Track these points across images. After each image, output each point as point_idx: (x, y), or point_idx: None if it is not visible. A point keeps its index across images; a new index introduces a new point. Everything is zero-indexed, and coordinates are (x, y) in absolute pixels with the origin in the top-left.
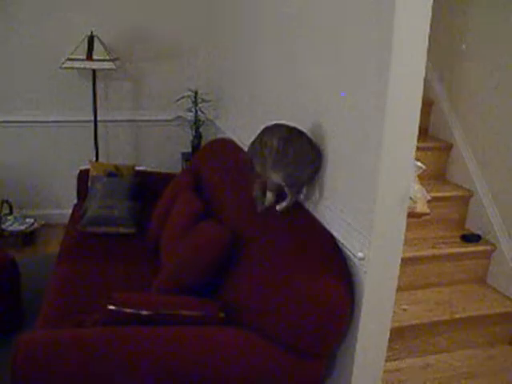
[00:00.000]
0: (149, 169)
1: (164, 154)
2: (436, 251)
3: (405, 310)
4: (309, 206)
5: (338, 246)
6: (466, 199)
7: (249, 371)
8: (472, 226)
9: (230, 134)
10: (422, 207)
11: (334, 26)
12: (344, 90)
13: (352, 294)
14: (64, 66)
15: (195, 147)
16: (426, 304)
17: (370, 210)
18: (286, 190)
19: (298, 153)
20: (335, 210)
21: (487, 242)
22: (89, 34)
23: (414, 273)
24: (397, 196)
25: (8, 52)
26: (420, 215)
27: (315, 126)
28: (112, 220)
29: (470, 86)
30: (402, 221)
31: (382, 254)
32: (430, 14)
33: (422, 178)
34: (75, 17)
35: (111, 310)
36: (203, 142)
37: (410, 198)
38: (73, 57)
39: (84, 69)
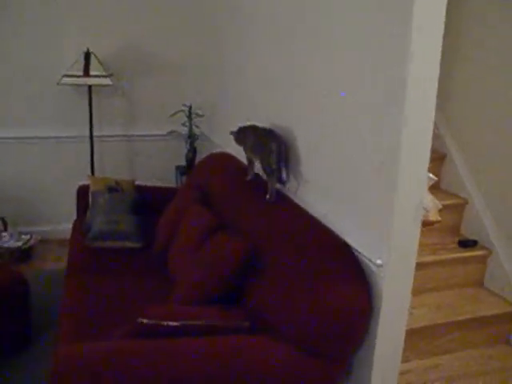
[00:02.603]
0: (143, 183)
1: (158, 168)
2: (436, 257)
3: (411, 313)
4: (323, 214)
5: (353, 254)
6: (460, 207)
7: (273, 376)
8: (467, 232)
9: (224, 148)
10: (434, 215)
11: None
12: (359, 100)
13: (370, 299)
14: (61, 82)
15: (190, 161)
16: (429, 308)
17: (388, 219)
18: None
19: (257, 137)
20: (353, 219)
21: (483, 247)
22: (84, 50)
23: (417, 278)
24: (412, 206)
25: (3, 69)
26: (432, 223)
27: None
28: (118, 234)
29: (460, 88)
30: (417, 228)
31: (399, 260)
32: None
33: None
34: (69, 34)
35: (144, 323)
36: (198, 156)
37: (424, 208)
38: (70, 73)
39: (81, 85)
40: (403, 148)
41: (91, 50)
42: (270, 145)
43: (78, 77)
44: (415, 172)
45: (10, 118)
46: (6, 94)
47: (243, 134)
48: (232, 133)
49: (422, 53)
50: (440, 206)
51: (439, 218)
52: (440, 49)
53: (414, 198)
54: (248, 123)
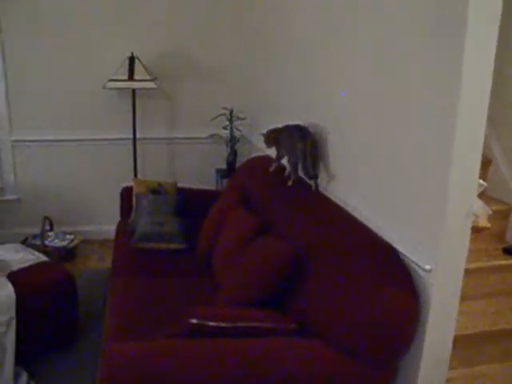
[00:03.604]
0: (184, 185)
1: (199, 171)
2: (482, 264)
3: (456, 320)
4: (370, 221)
5: (400, 258)
6: (506, 213)
7: (321, 379)
8: None
9: (265, 151)
10: (483, 222)
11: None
12: (410, 106)
13: (418, 304)
14: (107, 86)
15: (230, 164)
16: (474, 315)
17: (438, 224)
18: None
19: (287, 137)
20: (400, 222)
21: None
22: (129, 55)
23: (462, 285)
24: (463, 211)
25: (51, 75)
26: (482, 229)
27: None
28: (162, 236)
29: (507, 92)
30: (467, 234)
31: (449, 266)
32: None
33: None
34: (114, 38)
35: (194, 323)
36: (238, 159)
37: (473, 214)
38: (115, 77)
39: (125, 89)
40: (455, 152)
41: (135, 55)
42: (297, 143)
43: (123, 81)
44: (466, 177)
45: (54, 121)
46: (54, 99)
47: (276, 135)
48: (262, 134)
49: (476, 58)
50: (490, 212)
51: (488, 225)
52: (494, 51)
53: (465, 203)
54: (279, 125)
